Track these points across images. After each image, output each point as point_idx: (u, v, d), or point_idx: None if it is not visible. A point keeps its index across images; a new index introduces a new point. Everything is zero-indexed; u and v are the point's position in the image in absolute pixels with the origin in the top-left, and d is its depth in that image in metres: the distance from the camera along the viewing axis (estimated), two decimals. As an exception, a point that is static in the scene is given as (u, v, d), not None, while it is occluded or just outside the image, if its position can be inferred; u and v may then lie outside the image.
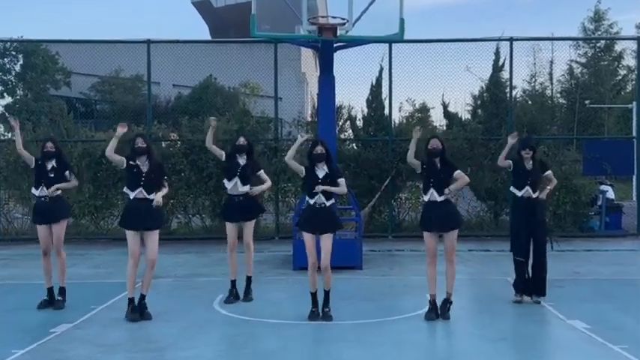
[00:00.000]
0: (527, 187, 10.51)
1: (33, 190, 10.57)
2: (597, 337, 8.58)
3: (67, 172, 10.54)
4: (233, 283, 10.86)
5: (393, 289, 11.94)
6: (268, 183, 11.00)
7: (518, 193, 10.62)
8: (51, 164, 10.42)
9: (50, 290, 10.50)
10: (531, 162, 10.61)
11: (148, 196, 9.55)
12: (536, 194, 10.54)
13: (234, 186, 10.69)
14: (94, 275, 13.52)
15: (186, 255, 16.13)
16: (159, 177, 9.71)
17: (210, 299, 10.98)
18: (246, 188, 10.68)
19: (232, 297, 10.79)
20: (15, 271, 14.11)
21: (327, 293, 9.69)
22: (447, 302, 9.75)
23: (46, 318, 9.85)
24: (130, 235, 9.54)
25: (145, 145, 9.67)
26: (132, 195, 9.61)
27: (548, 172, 10.82)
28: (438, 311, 9.65)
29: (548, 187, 10.70)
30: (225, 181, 10.86)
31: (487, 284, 12.37)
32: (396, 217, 19.52)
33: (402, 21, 13.23)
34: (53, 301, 10.46)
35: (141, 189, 9.54)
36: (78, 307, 10.30)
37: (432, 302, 9.70)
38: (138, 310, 9.60)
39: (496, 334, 8.90)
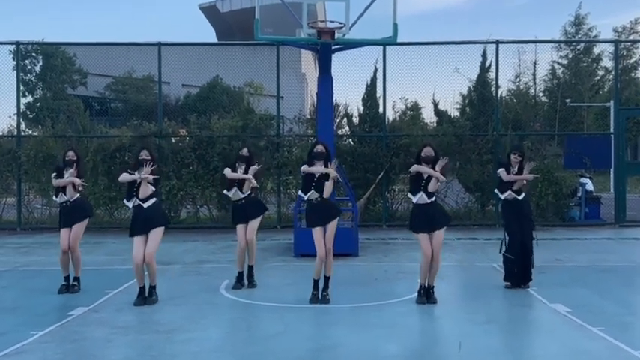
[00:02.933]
0: (510, 192, 10.49)
1: (55, 199, 10.66)
2: (577, 319, 8.55)
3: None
4: (240, 273, 10.83)
5: (387, 274, 11.89)
6: (249, 178, 10.69)
7: (502, 196, 10.62)
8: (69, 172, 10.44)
9: (67, 278, 10.52)
10: (517, 167, 10.56)
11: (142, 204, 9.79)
12: (521, 196, 10.52)
13: (234, 194, 10.76)
14: (108, 262, 13.48)
15: (194, 243, 16.09)
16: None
17: (217, 284, 10.95)
18: (247, 192, 10.79)
19: (239, 283, 10.77)
20: (35, 258, 14.05)
21: (327, 278, 9.70)
22: (432, 289, 9.70)
23: (64, 301, 9.83)
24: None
25: (149, 158, 9.65)
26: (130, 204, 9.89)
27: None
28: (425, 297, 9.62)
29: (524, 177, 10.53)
30: (225, 192, 10.99)
31: (475, 270, 12.33)
32: (390, 207, 19.49)
33: (395, 25, 13.18)
34: (69, 286, 10.49)
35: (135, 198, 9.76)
36: (94, 292, 10.31)
37: (422, 288, 9.65)
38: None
39: (484, 316, 8.86)
